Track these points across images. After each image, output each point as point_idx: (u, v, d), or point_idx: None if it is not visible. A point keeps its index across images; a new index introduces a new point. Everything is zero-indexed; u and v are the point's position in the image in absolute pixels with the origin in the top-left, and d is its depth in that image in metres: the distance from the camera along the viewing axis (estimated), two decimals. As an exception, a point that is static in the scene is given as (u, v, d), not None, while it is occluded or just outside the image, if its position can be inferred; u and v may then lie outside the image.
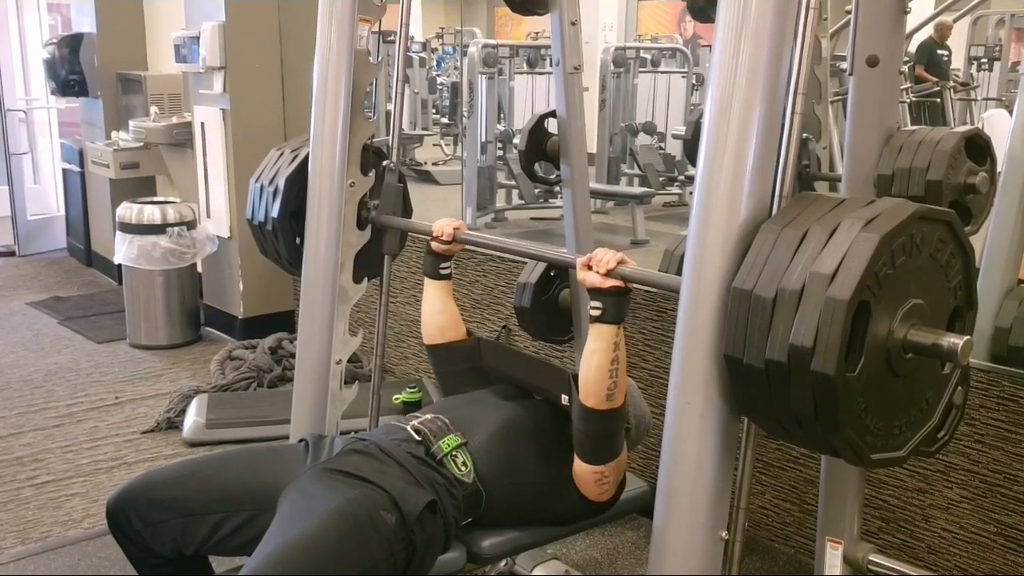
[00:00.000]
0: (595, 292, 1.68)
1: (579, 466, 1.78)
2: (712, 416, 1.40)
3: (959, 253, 1.35)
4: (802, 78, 1.38)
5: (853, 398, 1.23)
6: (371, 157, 2.30)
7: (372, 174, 2.27)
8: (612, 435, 1.76)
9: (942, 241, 1.32)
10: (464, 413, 1.88)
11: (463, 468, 1.75)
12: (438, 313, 2.10)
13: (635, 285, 1.69)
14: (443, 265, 2.11)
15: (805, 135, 1.91)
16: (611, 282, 1.65)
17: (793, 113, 1.40)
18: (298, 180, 2.24)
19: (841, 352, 1.19)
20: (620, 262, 1.66)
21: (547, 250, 2.03)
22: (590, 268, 1.68)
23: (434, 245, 2.09)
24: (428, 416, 1.85)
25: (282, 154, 2.34)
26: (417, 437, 1.78)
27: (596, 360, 1.68)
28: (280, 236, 2.29)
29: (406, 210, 2.37)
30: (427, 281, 2.13)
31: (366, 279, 2.33)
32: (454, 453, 1.76)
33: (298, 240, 2.29)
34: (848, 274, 1.20)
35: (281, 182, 2.26)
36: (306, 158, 2.24)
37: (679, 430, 1.44)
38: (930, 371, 1.35)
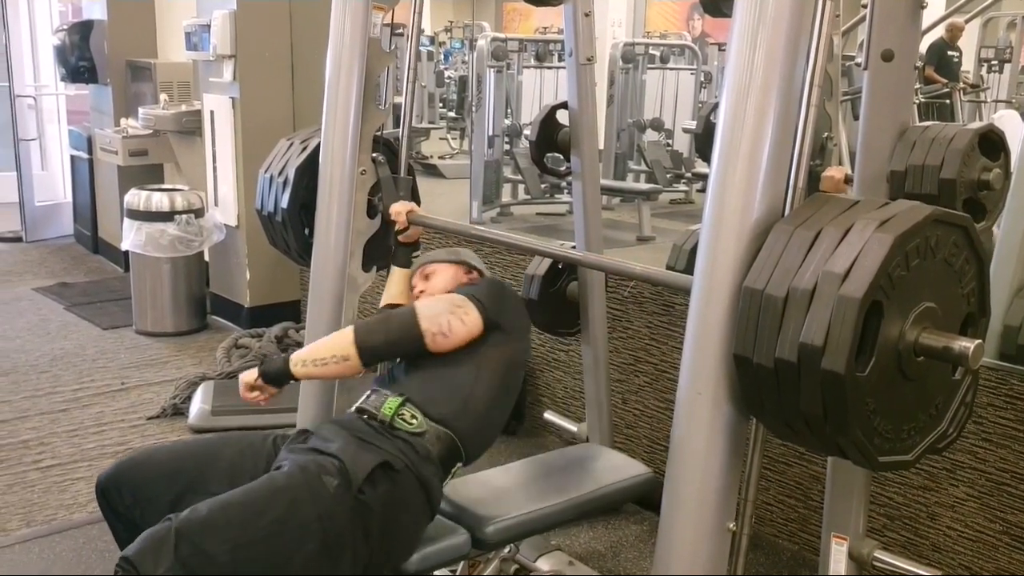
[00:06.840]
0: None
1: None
2: (722, 409, 1.40)
3: (973, 259, 1.34)
4: (818, 70, 1.38)
5: (862, 398, 1.23)
6: (382, 147, 2.30)
7: (384, 161, 2.28)
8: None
9: (956, 246, 1.31)
10: (395, 377, 1.92)
11: (413, 421, 1.79)
12: (398, 297, 2.22)
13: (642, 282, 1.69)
14: (415, 254, 2.26)
15: (826, 134, 1.90)
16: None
17: (808, 107, 1.40)
18: (308, 171, 2.24)
19: (852, 351, 1.19)
20: None
21: (515, 237, 2.07)
22: None
23: (401, 238, 2.23)
24: (365, 395, 1.89)
25: (291, 144, 2.33)
26: (363, 416, 1.83)
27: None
28: (289, 227, 2.29)
29: (414, 201, 2.37)
30: (394, 269, 2.25)
31: (375, 268, 2.34)
32: (400, 412, 1.79)
33: (307, 231, 2.28)
34: (861, 273, 1.19)
35: (291, 173, 2.25)
36: (316, 148, 2.23)
37: (688, 422, 1.43)
38: (941, 376, 1.35)
